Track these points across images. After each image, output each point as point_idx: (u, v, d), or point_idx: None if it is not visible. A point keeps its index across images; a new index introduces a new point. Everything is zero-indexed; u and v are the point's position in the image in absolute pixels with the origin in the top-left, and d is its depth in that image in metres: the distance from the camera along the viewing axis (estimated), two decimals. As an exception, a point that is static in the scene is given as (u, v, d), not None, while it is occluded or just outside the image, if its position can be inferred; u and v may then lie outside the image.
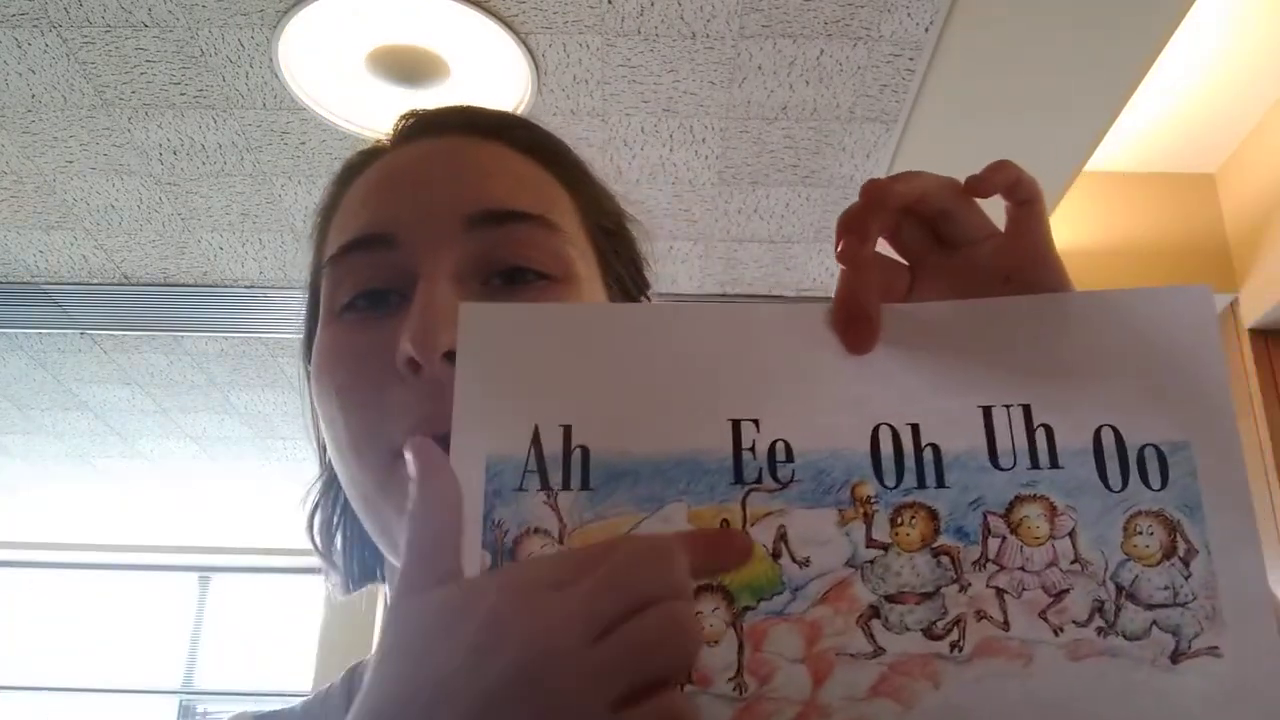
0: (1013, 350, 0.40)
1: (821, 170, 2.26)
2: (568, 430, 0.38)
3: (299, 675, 4.97)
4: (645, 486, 0.37)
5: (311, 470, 0.62)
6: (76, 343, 3.12)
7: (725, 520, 0.37)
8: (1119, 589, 0.37)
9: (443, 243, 0.51)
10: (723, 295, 2.73)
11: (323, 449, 0.60)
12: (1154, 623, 0.36)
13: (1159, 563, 0.37)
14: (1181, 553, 0.37)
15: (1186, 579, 0.37)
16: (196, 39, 1.92)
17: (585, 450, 0.38)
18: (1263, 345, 2.55)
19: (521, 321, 0.40)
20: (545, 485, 0.37)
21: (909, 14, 1.84)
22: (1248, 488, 0.37)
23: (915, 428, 0.38)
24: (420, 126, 0.59)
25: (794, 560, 0.37)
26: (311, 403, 0.60)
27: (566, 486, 0.37)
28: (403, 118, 0.61)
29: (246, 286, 2.76)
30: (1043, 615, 0.36)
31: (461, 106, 0.60)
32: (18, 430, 3.81)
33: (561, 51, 1.94)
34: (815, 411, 0.39)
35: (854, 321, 0.39)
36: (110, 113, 2.13)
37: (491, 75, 2.01)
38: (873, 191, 0.39)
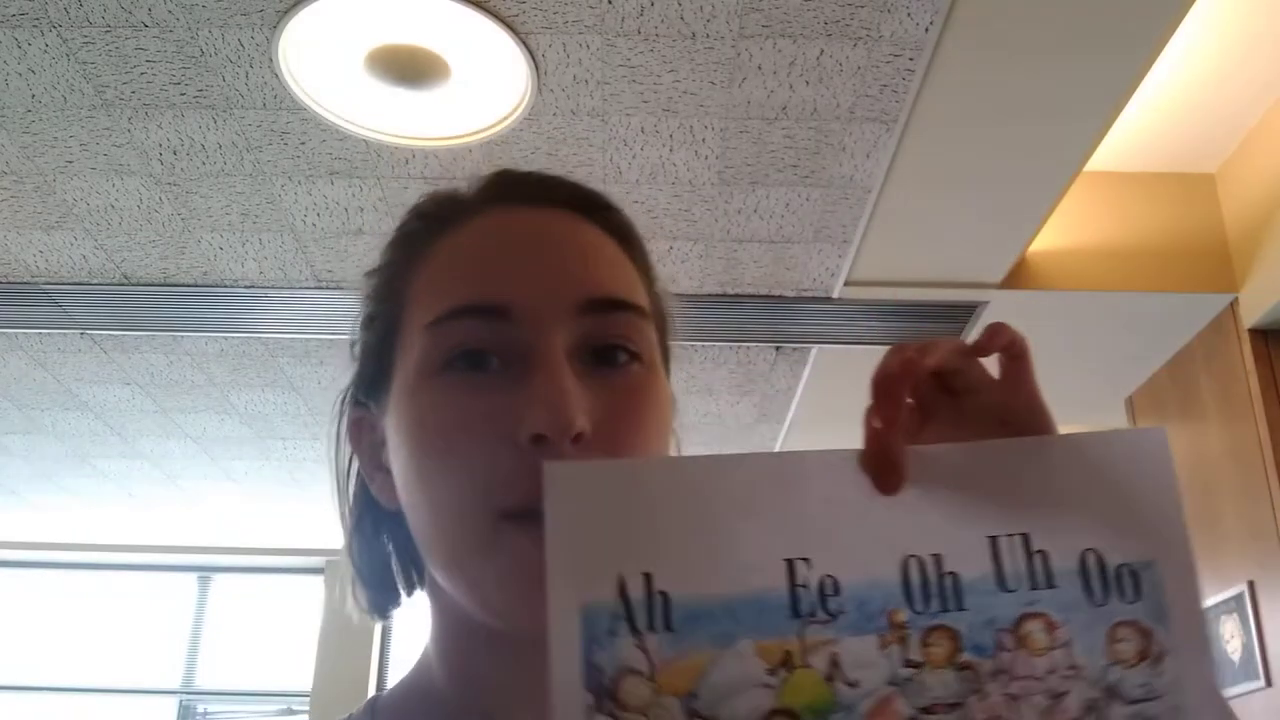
0: (1013, 487, 0.47)
1: (821, 170, 2.26)
2: (649, 577, 0.43)
3: (299, 675, 4.98)
4: (720, 625, 0.43)
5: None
6: (76, 343, 3.12)
7: (788, 651, 0.43)
8: (1107, 689, 0.44)
9: (557, 324, 0.54)
10: (722, 295, 2.73)
11: (344, 476, 0.63)
12: (1136, 716, 0.43)
13: (1136, 664, 0.44)
14: (1154, 655, 0.44)
15: (1159, 678, 0.44)
16: (196, 39, 1.92)
17: (665, 595, 0.43)
18: (1263, 345, 2.56)
19: (602, 478, 0.46)
20: (634, 629, 0.42)
21: (909, 14, 1.84)
22: (1200, 599, 0.46)
23: (938, 558, 0.45)
24: (516, 193, 0.61)
25: (845, 683, 0.43)
26: (338, 432, 0.63)
27: (652, 629, 0.42)
28: (497, 176, 0.63)
29: (246, 286, 2.76)
30: (1047, 716, 0.43)
31: (556, 179, 0.63)
32: (18, 430, 3.81)
33: (561, 51, 1.94)
34: (855, 547, 0.45)
35: (885, 467, 0.46)
36: (110, 113, 2.13)
37: (491, 75, 2.01)
38: (905, 364, 0.46)
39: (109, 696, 5.04)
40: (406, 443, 0.56)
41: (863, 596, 0.44)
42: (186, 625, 5.21)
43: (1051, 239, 2.57)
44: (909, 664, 0.43)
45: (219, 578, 5.33)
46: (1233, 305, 2.62)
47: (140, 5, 1.84)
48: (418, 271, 0.59)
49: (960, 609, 0.44)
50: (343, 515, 0.65)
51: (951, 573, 0.45)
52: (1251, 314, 2.55)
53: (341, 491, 0.64)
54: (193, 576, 5.30)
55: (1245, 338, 2.57)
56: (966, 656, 0.44)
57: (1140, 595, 0.45)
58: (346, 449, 0.63)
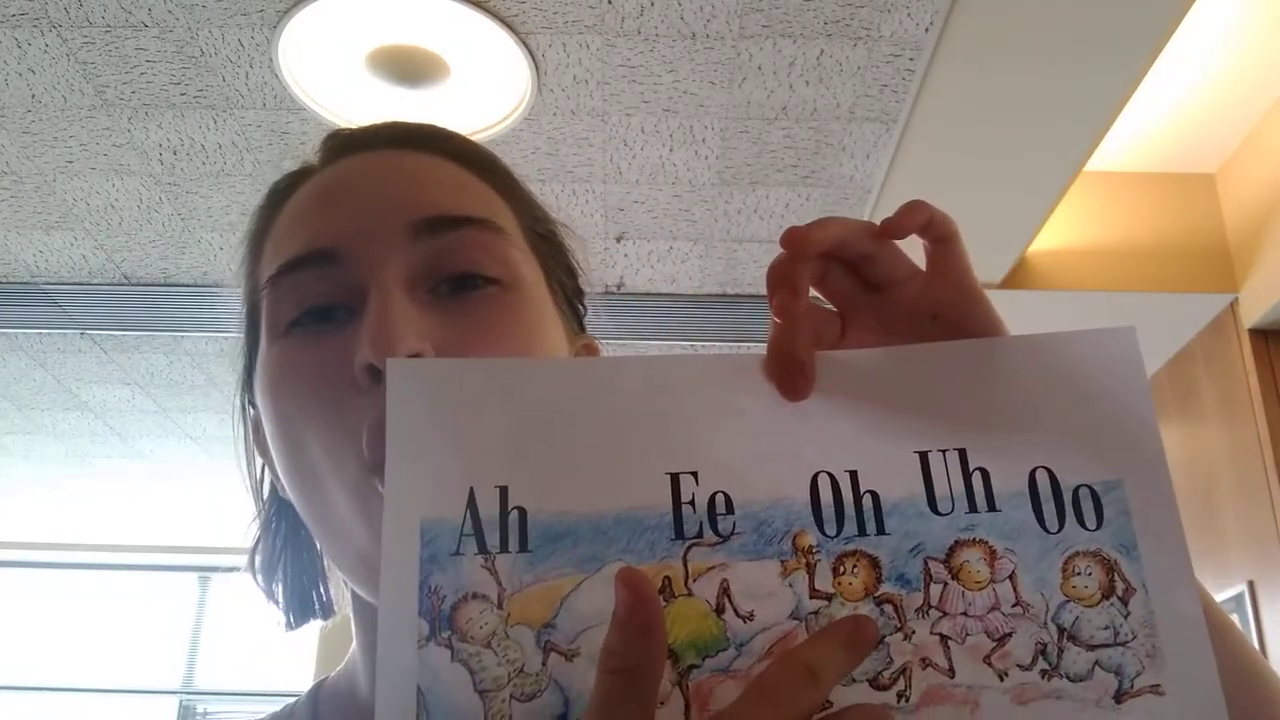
0: (946, 396, 0.40)
1: (821, 170, 2.26)
2: (504, 491, 0.37)
3: (299, 675, 4.97)
4: (585, 546, 0.37)
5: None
6: (76, 343, 3.12)
7: (667, 578, 0.37)
8: (1060, 630, 0.37)
9: (389, 253, 0.50)
10: (722, 295, 2.73)
11: (258, 486, 0.60)
12: (1096, 663, 0.36)
13: (1098, 603, 0.37)
14: (1120, 592, 0.37)
15: (1126, 618, 0.37)
16: (196, 39, 1.92)
17: (522, 511, 0.37)
18: (1263, 345, 2.55)
19: (452, 377, 0.39)
20: (483, 549, 0.37)
21: (909, 14, 1.84)
22: (1180, 524, 0.38)
23: (854, 475, 0.38)
24: (348, 144, 0.59)
25: (738, 615, 0.37)
26: (246, 441, 0.59)
27: (504, 549, 0.37)
28: (329, 138, 0.60)
29: (246, 286, 2.76)
30: (987, 660, 0.37)
31: (389, 122, 0.60)
32: (18, 430, 3.81)
33: (561, 51, 1.94)
34: (754, 461, 0.39)
35: (789, 370, 0.39)
36: (110, 113, 2.13)
37: (491, 75, 2.01)
38: (793, 241, 0.39)
39: (109, 696, 5.03)
40: (267, 415, 0.52)
41: (762, 516, 0.38)
42: (186, 625, 5.21)
43: (1051, 239, 2.57)
44: (816, 595, 0.37)
45: (219, 578, 5.33)
46: (1233, 305, 2.61)
47: (140, 5, 1.84)
48: (264, 247, 0.57)
49: (881, 533, 0.38)
50: (263, 534, 0.61)
51: (871, 491, 0.38)
52: (1251, 314, 2.54)
53: (257, 498, 0.60)
54: (193, 576, 5.30)
55: (1245, 338, 2.57)
56: (887, 589, 0.37)
57: (1103, 521, 0.38)
58: (258, 462, 0.59)
